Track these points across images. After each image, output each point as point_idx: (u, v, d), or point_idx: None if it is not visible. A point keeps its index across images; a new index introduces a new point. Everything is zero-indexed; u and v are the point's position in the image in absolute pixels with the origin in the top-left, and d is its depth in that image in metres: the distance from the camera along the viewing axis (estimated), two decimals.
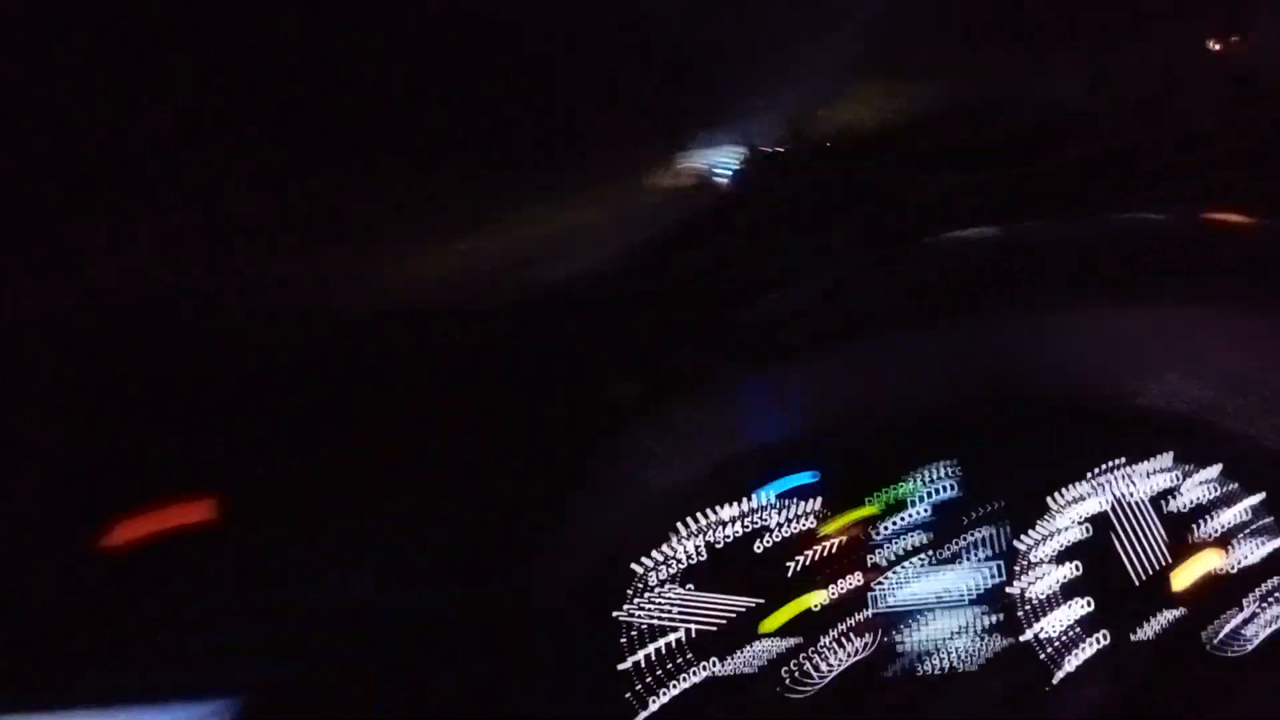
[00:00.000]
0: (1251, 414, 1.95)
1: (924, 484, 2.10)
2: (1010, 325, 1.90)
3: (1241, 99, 1.52)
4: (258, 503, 1.45)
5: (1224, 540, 1.99)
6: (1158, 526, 2.00)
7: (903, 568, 2.06)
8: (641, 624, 2.02)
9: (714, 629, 2.03)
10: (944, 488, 2.10)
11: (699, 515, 2.09)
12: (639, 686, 1.96)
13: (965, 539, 2.06)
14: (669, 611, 2.05)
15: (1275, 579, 1.96)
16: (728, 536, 2.12)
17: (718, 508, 2.12)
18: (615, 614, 2.02)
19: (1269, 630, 1.94)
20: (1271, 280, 1.83)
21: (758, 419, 2.08)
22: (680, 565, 2.10)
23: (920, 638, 2.03)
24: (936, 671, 2.00)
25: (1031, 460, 2.08)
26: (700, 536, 2.12)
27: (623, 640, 2.00)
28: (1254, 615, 1.95)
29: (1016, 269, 1.75)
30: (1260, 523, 1.99)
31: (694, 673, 2.00)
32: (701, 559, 2.09)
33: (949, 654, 2.01)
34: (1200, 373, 1.95)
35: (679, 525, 2.09)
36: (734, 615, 2.04)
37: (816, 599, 2.06)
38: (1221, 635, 1.93)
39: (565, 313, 1.49)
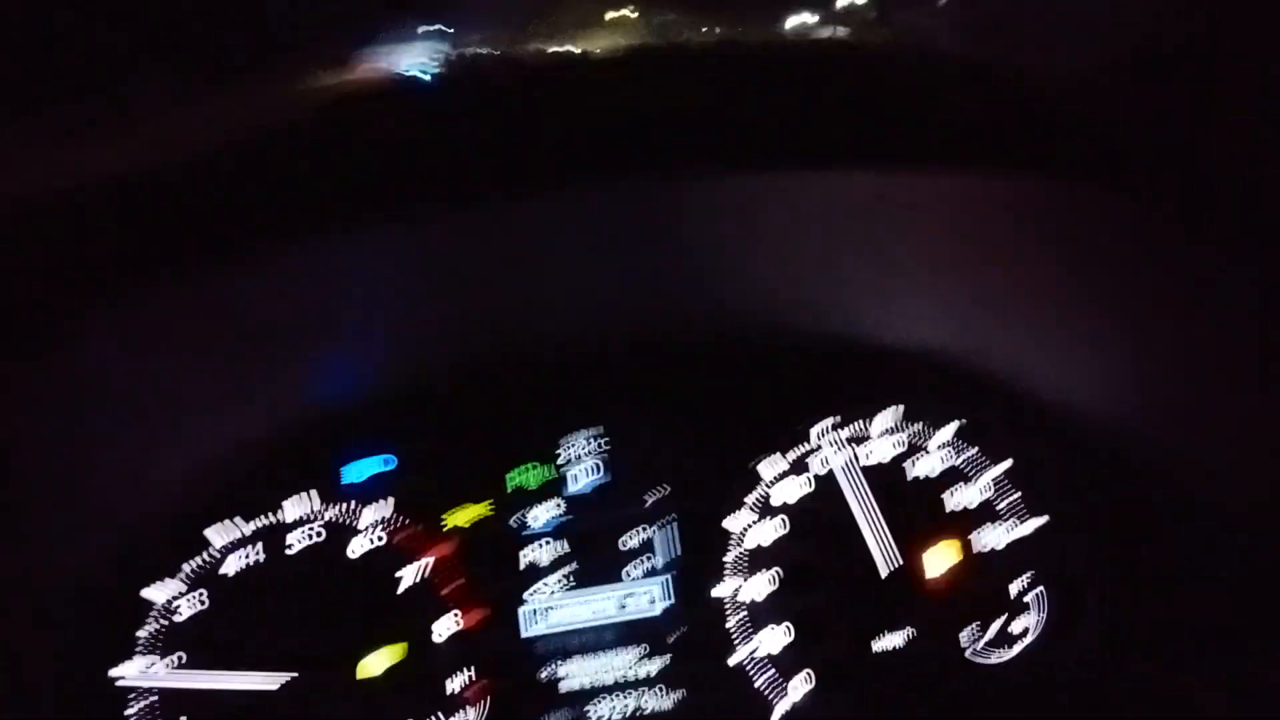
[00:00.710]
0: (997, 354, 1.49)
1: (563, 465, 1.51)
2: (686, 243, 1.36)
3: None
4: None
5: (967, 522, 1.50)
6: (888, 507, 1.49)
7: (543, 585, 1.44)
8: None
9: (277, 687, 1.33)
10: (591, 469, 1.52)
11: (236, 517, 1.42)
12: None
13: (627, 540, 1.47)
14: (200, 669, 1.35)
15: (1029, 573, 1.47)
16: (289, 547, 1.44)
17: (272, 507, 1.44)
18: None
19: (1029, 635, 1.44)
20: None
21: (324, 371, 1.42)
22: (218, 592, 1.40)
23: (578, 681, 1.41)
24: None
25: (718, 423, 1.53)
26: (246, 548, 1.43)
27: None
28: (1009, 617, 1.44)
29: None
30: (1008, 499, 1.51)
31: None
32: (250, 580, 1.40)
33: (622, 698, 1.40)
34: (937, 304, 1.47)
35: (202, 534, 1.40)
36: (318, 657, 1.35)
37: (439, 627, 1.40)
38: (981, 641, 1.42)
39: None
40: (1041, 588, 1.46)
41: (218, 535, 1.43)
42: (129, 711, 1.34)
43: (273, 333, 1.33)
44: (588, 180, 1.19)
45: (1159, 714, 1.32)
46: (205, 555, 1.43)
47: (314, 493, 1.47)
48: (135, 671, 1.35)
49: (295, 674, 1.36)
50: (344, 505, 1.47)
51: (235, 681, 1.34)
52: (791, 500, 1.50)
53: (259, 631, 1.39)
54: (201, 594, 1.41)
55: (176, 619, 1.39)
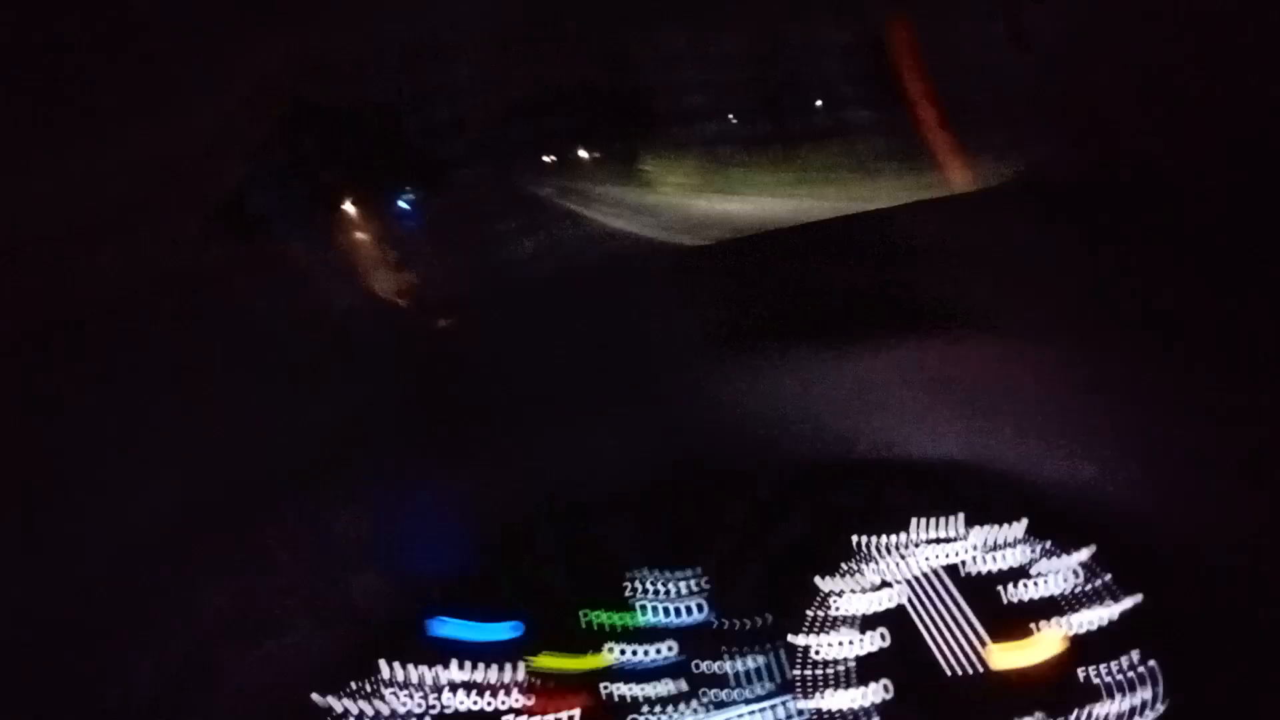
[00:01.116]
0: (1048, 458, 1.65)
1: (661, 603, 1.67)
2: (732, 373, 1.63)
3: None
4: None
5: (1056, 611, 1.58)
6: (971, 608, 1.59)
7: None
8: None
9: None
10: (692, 607, 1.68)
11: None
12: None
13: (732, 675, 1.60)
14: None
15: (1125, 656, 1.53)
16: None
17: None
18: None
19: (1148, 712, 1.47)
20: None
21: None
22: None
23: None
24: None
25: (797, 546, 1.70)
26: None
27: None
28: (1111, 701, 1.49)
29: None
30: (1094, 584, 1.60)
31: None
32: None
33: None
34: (978, 412, 1.67)
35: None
36: None
37: None
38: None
39: None
40: (1150, 663, 1.50)
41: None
42: None
43: None
44: None
45: None
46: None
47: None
48: None
49: None
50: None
51: None
52: (875, 611, 1.62)
53: None
54: None
55: None
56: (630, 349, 1.48)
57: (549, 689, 1.60)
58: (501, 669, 1.63)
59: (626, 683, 1.60)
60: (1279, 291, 1.17)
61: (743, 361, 1.51)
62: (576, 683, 1.60)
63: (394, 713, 1.57)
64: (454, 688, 1.61)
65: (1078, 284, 1.39)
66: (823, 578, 1.66)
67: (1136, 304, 1.32)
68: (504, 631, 1.67)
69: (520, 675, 1.62)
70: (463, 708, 1.59)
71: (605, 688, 1.59)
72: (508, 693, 1.61)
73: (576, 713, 1.56)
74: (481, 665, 1.63)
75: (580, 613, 1.68)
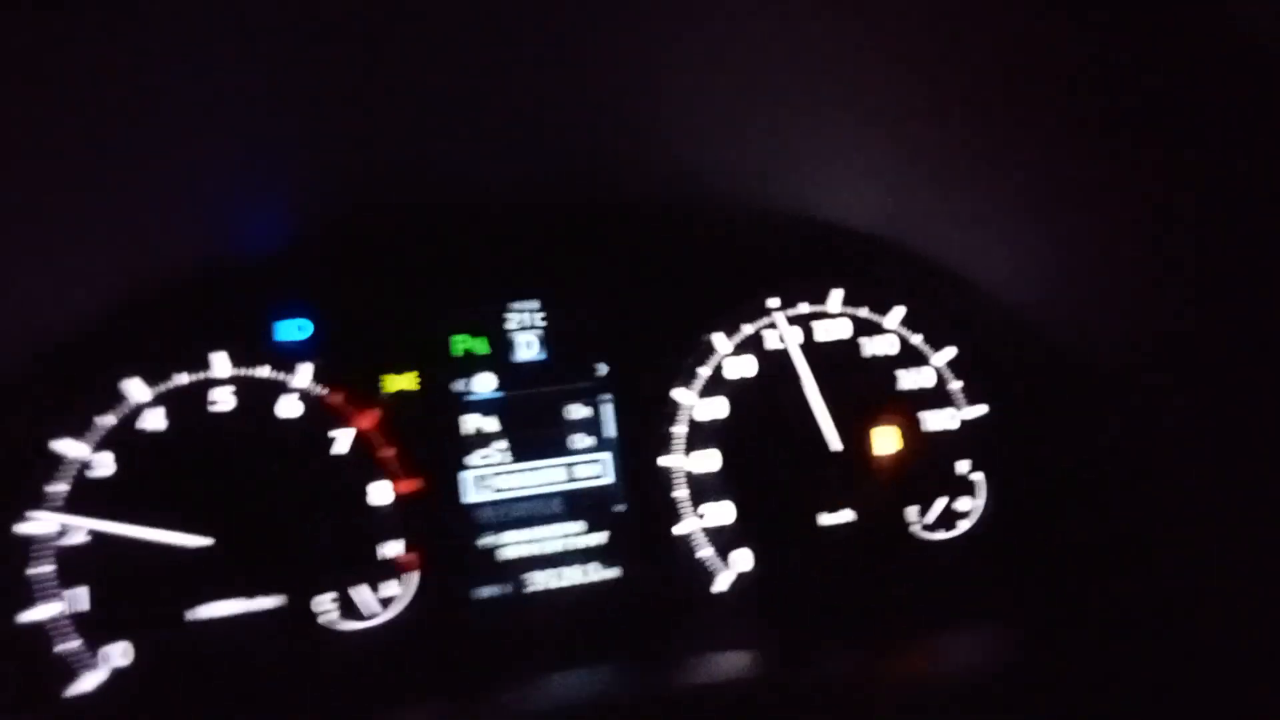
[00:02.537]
0: (940, 235, 1.48)
1: (506, 332, 1.45)
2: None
3: None
4: None
5: (915, 404, 1.50)
6: (838, 385, 1.48)
7: (488, 453, 1.39)
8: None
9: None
10: (531, 342, 1.47)
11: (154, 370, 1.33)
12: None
13: (572, 412, 1.43)
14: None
15: (970, 458, 1.48)
16: (214, 404, 1.34)
17: (196, 360, 1.35)
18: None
19: (971, 517, 1.45)
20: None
21: (237, 215, 1.31)
22: (134, 449, 1.30)
23: (519, 550, 1.37)
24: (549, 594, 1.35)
25: (665, 295, 1.49)
26: (165, 404, 1.33)
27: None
28: (952, 498, 1.46)
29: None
30: (952, 385, 1.52)
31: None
32: (170, 439, 1.31)
33: (564, 568, 1.37)
34: (884, 185, 1.45)
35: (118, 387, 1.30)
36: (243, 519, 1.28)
37: (373, 493, 1.34)
38: (929, 517, 1.43)
39: None
40: (981, 473, 1.48)
41: (136, 389, 1.32)
42: (31, 571, 1.24)
43: (166, 165, 1.19)
44: None
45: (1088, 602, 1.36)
46: (122, 409, 1.32)
47: (242, 348, 1.37)
48: (41, 527, 1.24)
49: (214, 538, 1.27)
50: (275, 363, 1.37)
51: (152, 536, 1.25)
52: (742, 376, 1.47)
53: (179, 492, 1.29)
54: (116, 451, 1.30)
55: (90, 475, 1.28)
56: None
57: (333, 401, 1.36)
58: (287, 371, 1.36)
59: (433, 411, 1.39)
60: None
61: (653, 91, 1.19)
62: (369, 399, 1.37)
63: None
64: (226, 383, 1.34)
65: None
66: (677, 333, 1.47)
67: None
68: (294, 331, 1.38)
69: (305, 381, 1.36)
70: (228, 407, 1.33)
71: (403, 411, 1.37)
72: (281, 396, 1.35)
73: (350, 433, 1.34)
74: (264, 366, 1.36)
75: (439, 334, 1.44)
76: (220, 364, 1.35)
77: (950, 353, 1.53)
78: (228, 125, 1.13)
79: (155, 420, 1.31)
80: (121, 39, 0.93)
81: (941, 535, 1.45)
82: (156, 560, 1.25)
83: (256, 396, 1.35)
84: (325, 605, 1.30)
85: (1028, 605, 1.37)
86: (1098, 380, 1.45)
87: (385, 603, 1.32)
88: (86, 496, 1.26)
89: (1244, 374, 1.18)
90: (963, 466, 1.48)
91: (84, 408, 1.29)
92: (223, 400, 1.34)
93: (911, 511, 1.45)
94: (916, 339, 1.53)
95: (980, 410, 1.51)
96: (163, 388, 1.33)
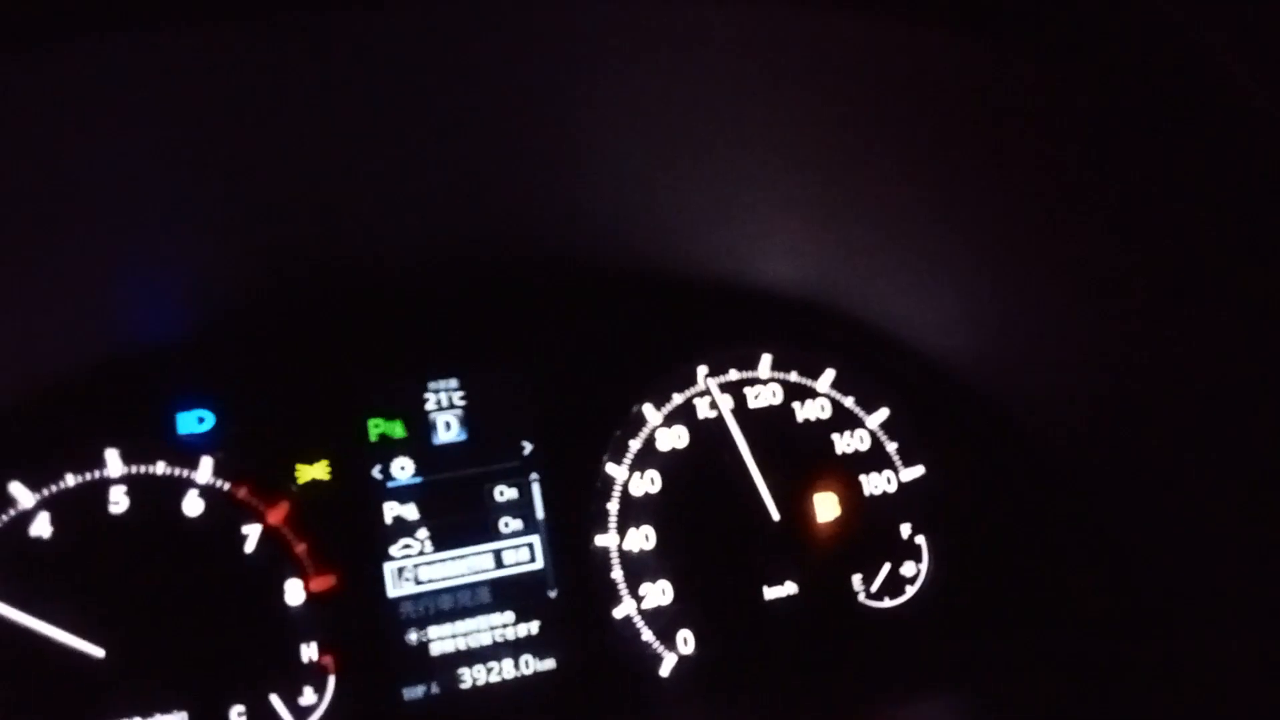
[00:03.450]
0: (869, 295, 1.47)
1: (424, 414, 1.38)
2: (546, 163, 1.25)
3: None
4: None
5: (853, 468, 1.47)
6: (773, 452, 1.43)
7: (411, 541, 1.31)
8: None
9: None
10: (451, 422, 1.40)
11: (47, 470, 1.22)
12: None
13: (499, 494, 1.36)
14: None
15: (913, 520, 1.45)
16: (114, 504, 1.25)
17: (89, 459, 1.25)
18: None
19: (918, 581, 1.41)
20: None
21: (136, 302, 1.23)
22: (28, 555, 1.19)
23: (450, 644, 1.28)
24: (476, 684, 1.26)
25: (588, 368, 1.44)
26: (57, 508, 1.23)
27: None
28: (898, 562, 1.42)
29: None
30: (888, 447, 1.49)
31: None
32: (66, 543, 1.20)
33: (498, 661, 1.28)
34: (805, 245, 1.43)
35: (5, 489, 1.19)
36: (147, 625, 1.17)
37: (289, 591, 1.24)
38: (874, 584, 1.38)
39: None
40: (924, 535, 1.45)
41: (20, 493, 1.21)
42: None
43: (64, 253, 1.12)
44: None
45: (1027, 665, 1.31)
46: (11, 512, 1.21)
47: (140, 444, 1.27)
48: None
49: (107, 649, 1.16)
50: (174, 458, 1.28)
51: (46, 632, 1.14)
52: (674, 447, 1.42)
53: (70, 601, 1.17)
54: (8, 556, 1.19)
55: None
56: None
57: (240, 495, 1.27)
58: (190, 466, 1.27)
59: (349, 500, 1.31)
60: None
61: (570, 152, 1.16)
62: (279, 491, 1.28)
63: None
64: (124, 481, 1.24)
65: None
66: (605, 406, 1.42)
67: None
68: (196, 423, 1.30)
69: (209, 476, 1.27)
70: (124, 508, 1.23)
71: (316, 502, 1.29)
72: (185, 493, 1.26)
73: (258, 529, 1.26)
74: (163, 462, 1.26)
75: (354, 418, 1.36)
76: (114, 462, 1.25)
77: (883, 414, 1.51)
78: (123, 209, 1.07)
79: (41, 526, 1.20)
80: (9, 125, 0.87)
81: (888, 603, 1.40)
82: (48, 674, 1.14)
83: (155, 494, 1.25)
84: None
85: (980, 671, 1.32)
86: (1030, 438, 1.44)
87: (302, 712, 1.22)
88: None
89: (1176, 425, 1.18)
90: (905, 530, 1.45)
91: None
92: (118, 500, 1.24)
93: (856, 579, 1.40)
94: (849, 401, 1.51)
95: (917, 471, 1.48)
96: (49, 490, 1.22)
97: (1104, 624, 1.32)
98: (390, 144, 1.09)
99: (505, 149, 1.14)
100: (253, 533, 1.26)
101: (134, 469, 1.25)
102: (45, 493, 1.22)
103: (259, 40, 0.87)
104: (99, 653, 1.16)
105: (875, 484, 1.47)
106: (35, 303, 1.13)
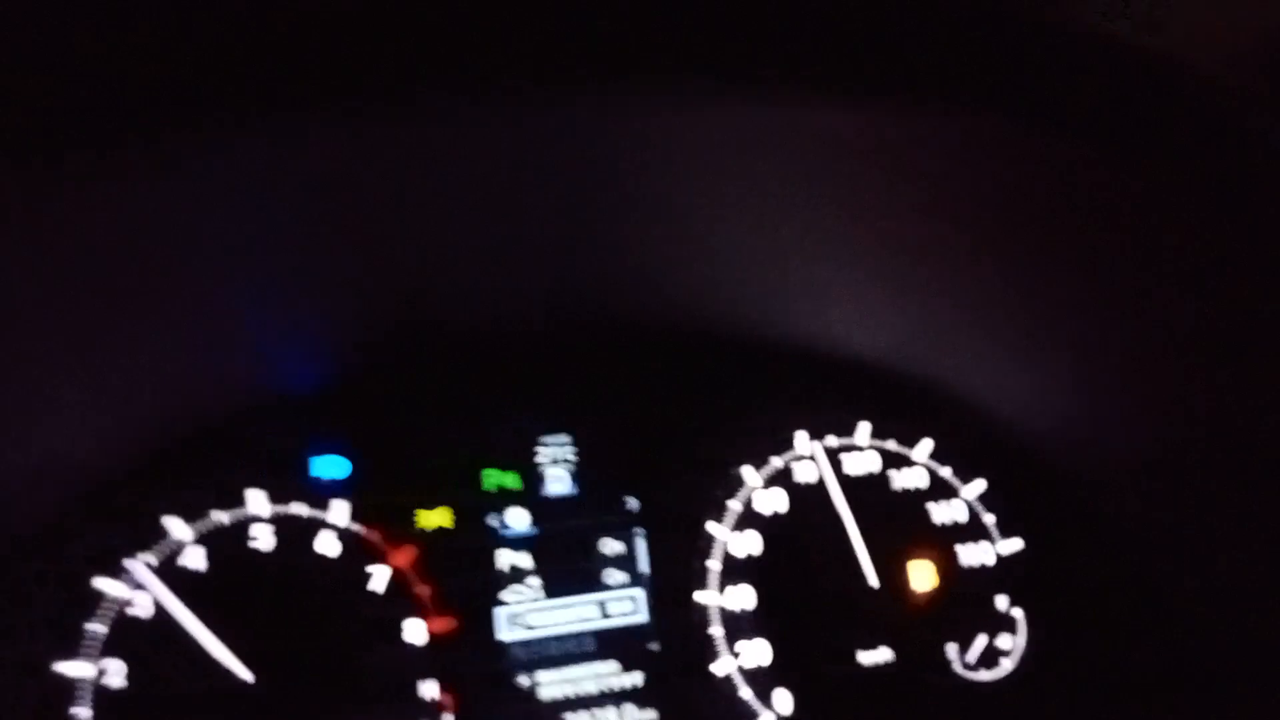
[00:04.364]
0: (962, 369, 1.51)
1: (537, 467, 1.46)
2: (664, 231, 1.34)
3: None
4: None
5: (950, 538, 1.50)
6: (870, 519, 1.48)
7: (522, 589, 1.38)
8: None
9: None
10: (563, 475, 1.48)
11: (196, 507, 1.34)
12: None
13: (604, 546, 1.43)
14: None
15: (1010, 593, 1.47)
16: (254, 539, 1.35)
17: (233, 498, 1.36)
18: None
19: (1015, 654, 1.43)
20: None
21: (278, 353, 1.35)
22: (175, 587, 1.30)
23: (556, 690, 1.34)
24: None
25: (695, 428, 1.51)
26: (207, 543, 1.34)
27: None
28: (993, 634, 1.43)
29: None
30: (985, 519, 1.51)
31: None
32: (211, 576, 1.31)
33: (600, 709, 1.34)
34: (896, 321, 1.49)
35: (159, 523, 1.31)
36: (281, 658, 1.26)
37: (409, 632, 1.33)
38: (970, 656, 1.41)
39: None
40: (1021, 608, 1.46)
41: (176, 526, 1.33)
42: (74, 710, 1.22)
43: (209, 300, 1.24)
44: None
45: None
46: (163, 545, 1.33)
47: (279, 485, 1.38)
48: (81, 671, 1.24)
49: (255, 676, 1.26)
50: (312, 500, 1.39)
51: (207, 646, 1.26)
52: (774, 510, 1.48)
53: (219, 630, 1.28)
54: (158, 588, 1.30)
55: (130, 613, 1.28)
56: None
57: (370, 538, 1.37)
58: (323, 508, 1.37)
59: (467, 547, 1.39)
60: None
61: (678, 224, 1.25)
62: (405, 536, 1.37)
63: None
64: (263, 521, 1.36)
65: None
66: (707, 466, 1.49)
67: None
68: (330, 468, 1.41)
69: (343, 519, 1.37)
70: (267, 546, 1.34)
71: (438, 547, 1.38)
72: (319, 533, 1.36)
73: (386, 570, 1.35)
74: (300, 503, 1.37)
75: (472, 469, 1.46)
76: (259, 501, 1.36)
77: (980, 485, 1.54)
78: (269, 274, 1.19)
79: (196, 559, 1.32)
80: (159, 194, 0.99)
81: (984, 675, 1.41)
82: (194, 704, 1.24)
83: (295, 533, 1.36)
84: None
85: None
86: (1122, 512, 1.45)
87: None
88: (127, 635, 1.26)
89: (1260, 492, 1.19)
90: (1002, 602, 1.46)
91: (125, 547, 1.31)
92: (263, 537, 1.35)
93: (952, 649, 1.42)
94: (946, 471, 1.54)
95: (1015, 544, 1.50)
96: (203, 526, 1.34)
97: (1198, 702, 1.32)
98: (515, 222, 1.19)
99: (629, 230, 1.24)
100: (381, 574, 1.35)
101: (277, 509, 1.37)
102: (199, 528, 1.34)
103: (408, 139, 0.99)
104: (249, 677, 1.27)
105: (972, 555, 1.49)
106: (188, 353, 1.26)
